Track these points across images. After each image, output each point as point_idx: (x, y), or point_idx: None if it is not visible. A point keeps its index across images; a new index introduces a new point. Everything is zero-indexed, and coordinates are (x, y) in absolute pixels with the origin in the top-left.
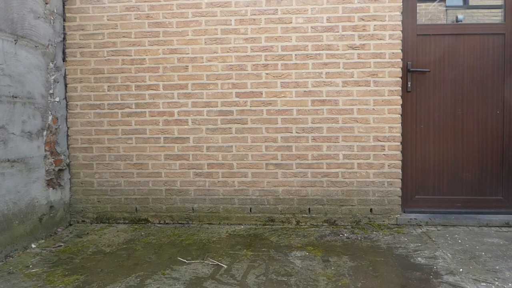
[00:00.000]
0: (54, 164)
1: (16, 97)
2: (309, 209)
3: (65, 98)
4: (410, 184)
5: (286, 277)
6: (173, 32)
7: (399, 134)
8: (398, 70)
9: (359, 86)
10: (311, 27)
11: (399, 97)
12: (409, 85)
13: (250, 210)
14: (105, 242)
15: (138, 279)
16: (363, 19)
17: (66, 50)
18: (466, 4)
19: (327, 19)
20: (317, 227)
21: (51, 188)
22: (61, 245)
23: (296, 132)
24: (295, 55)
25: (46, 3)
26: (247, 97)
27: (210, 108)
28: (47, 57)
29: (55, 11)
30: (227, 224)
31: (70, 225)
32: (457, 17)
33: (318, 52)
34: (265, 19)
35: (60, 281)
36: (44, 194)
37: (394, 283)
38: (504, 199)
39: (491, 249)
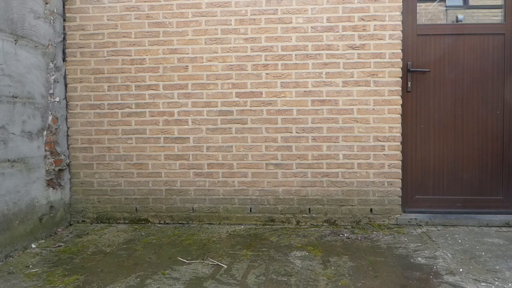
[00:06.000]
0: (54, 164)
1: (16, 97)
2: (309, 209)
3: (65, 98)
4: (410, 184)
5: (286, 277)
6: (173, 32)
7: (399, 134)
8: (398, 70)
9: (359, 86)
10: (311, 27)
11: (399, 97)
12: (409, 85)
13: (250, 210)
14: (105, 242)
15: (138, 279)
16: (363, 19)
17: (66, 50)
18: (466, 4)
19: (327, 19)
20: (317, 227)
21: (51, 188)
22: (61, 245)
23: (296, 132)
24: (295, 55)
25: (46, 3)
26: (247, 97)
27: (210, 108)
28: (47, 57)
29: (55, 11)
30: (227, 224)
31: (70, 225)
32: (457, 17)
33: (318, 52)
34: (265, 19)
35: (60, 281)
36: (44, 194)
37: (394, 283)
38: (504, 199)
39: (491, 249)
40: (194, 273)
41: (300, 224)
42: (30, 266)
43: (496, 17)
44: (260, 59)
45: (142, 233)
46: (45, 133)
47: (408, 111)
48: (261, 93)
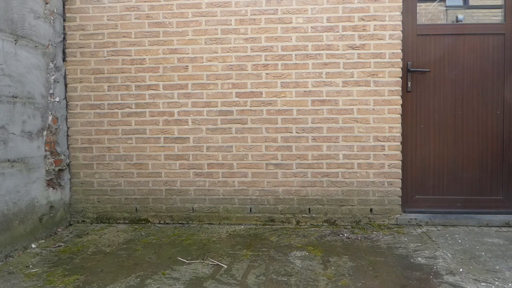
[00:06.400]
0: (54, 164)
1: (16, 97)
2: (309, 209)
3: (65, 98)
4: (410, 184)
5: (286, 277)
6: (173, 32)
7: (399, 134)
8: (398, 70)
9: (359, 86)
10: (311, 27)
11: (399, 97)
12: (409, 85)
13: (250, 210)
14: (105, 242)
15: (138, 279)
16: (363, 19)
17: (66, 50)
18: (466, 4)
19: (327, 19)
20: (317, 227)
21: (51, 188)
22: (61, 245)
23: (296, 132)
24: (295, 55)
25: (46, 3)
26: (247, 97)
27: (210, 108)
28: (47, 57)
29: (55, 11)
30: (227, 224)
31: (70, 225)
32: (457, 17)
33: (318, 52)
34: (265, 19)
35: (60, 281)
36: (44, 194)
37: (394, 283)
38: (504, 199)
39: (491, 249)
40: (194, 273)
41: (300, 224)
42: (30, 266)
43: (496, 17)
44: (260, 59)
45: (142, 233)
46: (45, 133)
47: (408, 111)
48: (261, 93)
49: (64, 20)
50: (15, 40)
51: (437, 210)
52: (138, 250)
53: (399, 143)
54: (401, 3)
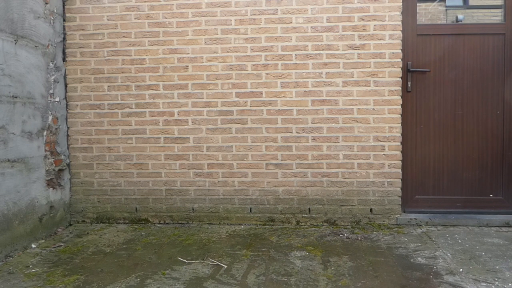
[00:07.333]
0: (54, 164)
1: (16, 97)
2: (309, 209)
3: (65, 98)
4: (410, 184)
5: (286, 277)
6: (173, 32)
7: (399, 134)
8: (398, 70)
9: (359, 86)
10: (311, 27)
11: (399, 97)
12: (409, 85)
13: (250, 210)
14: (105, 242)
15: (138, 279)
16: (363, 19)
17: (66, 50)
18: (466, 4)
19: (327, 19)
20: (317, 227)
21: (51, 188)
22: (61, 245)
23: (296, 132)
24: (295, 55)
25: (46, 3)
26: (247, 97)
27: (210, 108)
28: (47, 57)
29: (55, 11)
30: (227, 224)
31: (70, 225)
32: (457, 17)
33: (318, 52)
34: (265, 19)
35: (60, 281)
36: (44, 194)
37: (394, 283)
38: (504, 199)
39: (491, 249)
40: (194, 273)
41: (300, 224)
42: (30, 266)
43: (496, 17)
44: (260, 59)
45: (142, 233)
46: (45, 133)
47: (408, 111)
48: (261, 93)
49: (64, 20)
50: (15, 40)
51: (437, 210)
52: (138, 250)
53: (399, 143)
54: (401, 3)
